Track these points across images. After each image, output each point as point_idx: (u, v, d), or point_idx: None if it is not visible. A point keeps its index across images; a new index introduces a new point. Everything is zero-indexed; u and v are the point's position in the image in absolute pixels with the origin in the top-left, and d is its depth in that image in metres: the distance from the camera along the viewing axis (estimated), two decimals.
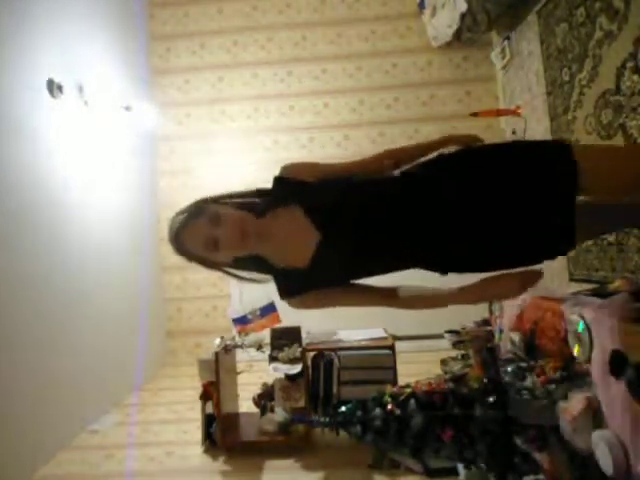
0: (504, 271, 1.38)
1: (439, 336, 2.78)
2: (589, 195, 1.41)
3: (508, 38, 4.30)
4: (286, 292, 1.37)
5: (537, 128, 3.92)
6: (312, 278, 1.34)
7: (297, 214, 1.34)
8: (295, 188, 1.38)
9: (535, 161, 1.35)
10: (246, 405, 3.11)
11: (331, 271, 1.35)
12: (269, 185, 1.43)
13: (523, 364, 2.01)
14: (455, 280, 1.44)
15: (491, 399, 1.94)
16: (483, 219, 1.34)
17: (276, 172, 1.37)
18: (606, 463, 1.42)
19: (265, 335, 2.95)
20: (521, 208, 1.34)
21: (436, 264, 1.44)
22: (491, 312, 2.81)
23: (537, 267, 1.41)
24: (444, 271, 1.45)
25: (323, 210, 1.33)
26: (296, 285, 1.36)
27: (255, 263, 1.38)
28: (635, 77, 2.58)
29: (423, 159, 1.47)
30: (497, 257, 1.42)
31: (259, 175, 4.98)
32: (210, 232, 1.27)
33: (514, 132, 4.40)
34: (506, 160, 1.37)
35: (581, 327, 1.61)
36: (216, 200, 1.37)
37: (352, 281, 1.41)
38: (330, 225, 1.33)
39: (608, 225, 1.58)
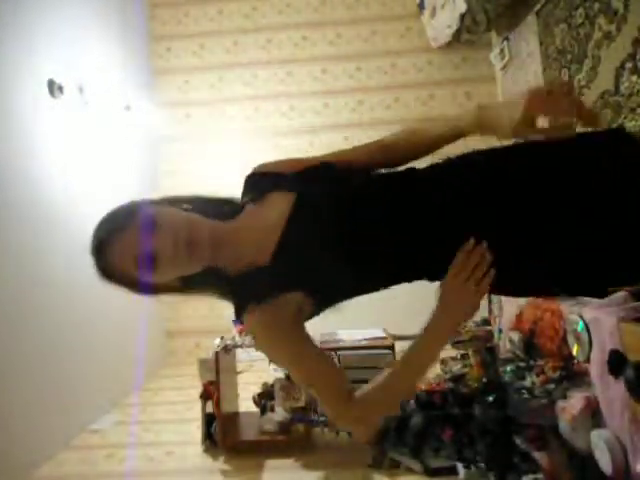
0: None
1: None
2: None
3: (507, 39, 4.31)
4: (241, 305, 0.95)
5: None
6: (274, 276, 0.94)
7: (276, 200, 1.01)
8: (275, 179, 1.05)
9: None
10: (246, 405, 3.11)
11: (297, 263, 0.94)
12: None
13: (522, 364, 2.02)
14: None
15: (490, 399, 1.94)
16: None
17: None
18: (605, 462, 1.43)
19: None
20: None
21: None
22: (490, 312, 2.82)
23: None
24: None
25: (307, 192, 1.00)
26: (254, 291, 0.93)
27: (209, 277, 0.99)
28: (634, 78, 2.59)
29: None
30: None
31: None
32: (145, 243, 0.89)
33: None
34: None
35: (580, 327, 1.62)
36: (158, 202, 0.99)
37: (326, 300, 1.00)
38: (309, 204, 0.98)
39: None
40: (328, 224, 0.94)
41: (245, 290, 0.95)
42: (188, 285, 1.00)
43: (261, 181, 1.07)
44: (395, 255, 0.97)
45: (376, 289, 1.02)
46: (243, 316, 0.94)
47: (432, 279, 1.00)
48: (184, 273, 0.95)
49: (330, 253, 0.92)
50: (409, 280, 1.01)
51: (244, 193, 1.09)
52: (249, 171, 1.15)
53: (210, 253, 0.94)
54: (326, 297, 0.98)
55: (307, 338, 0.98)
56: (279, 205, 0.98)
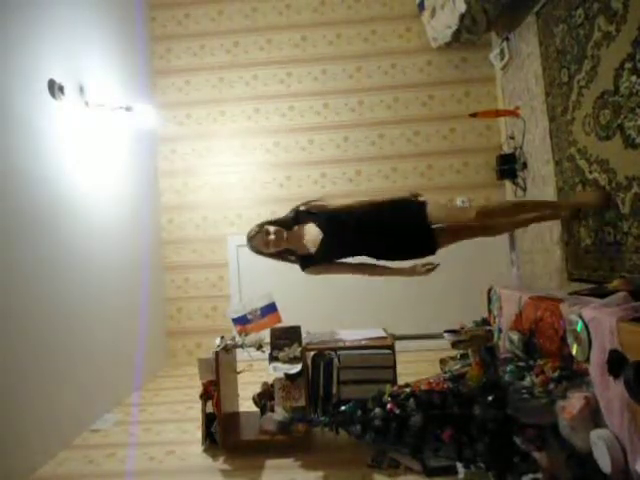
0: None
1: (439, 336, 2.78)
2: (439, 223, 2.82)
3: (507, 39, 4.32)
4: (305, 266, 2.83)
5: (536, 128, 3.93)
6: (317, 258, 2.79)
7: (310, 227, 2.79)
8: (310, 215, 2.83)
9: (408, 212, 2.82)
10: (246, 405, 3.12)
11: (327, 254, 2.80)
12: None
13: (522, 363, 2.02)
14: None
15: (490, 398, 1.94)
16: (395, 239, 2.79)
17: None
18: (604, 462, 1.44)
19: (265, 335, 2.96)
20: (405, 235, 2.79)
21: (375, 256, 2.89)
22: (490, 312, 2.82)
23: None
24: (379, 259, 2.90)
25: (326, 227, 2.77)
26: (310, 262, 2.82)
27: (289, 252, 2.83)
28: (633, 78, 2.59)
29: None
30: (401, 255, 2.88)
31: (258, 176, 5.00)
32: (266, 239, 2.70)
33: (512, 137, 4.41)
34: (394, 211, 2.84)
35: (580, 327, 1.62)
36: (269, 222, 2.75)
37: (340, 260, 2.88)
38: (328, 233, 2.76)
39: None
40: (334, 244, 2.79)
41: (306, 261, 2.83)
42: (282, 254, 2.82)
43: (303, 214, 2.85)
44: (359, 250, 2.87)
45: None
46: (305, 270, 2.86)
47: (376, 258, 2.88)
48: (278, 249, 2.75)
49: (336, 251, 2.85)
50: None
51: (295, 215, 2.84)
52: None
53: (286, 243, 2.75)
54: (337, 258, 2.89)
55: (332, 264, 2.89)
56: (314, 231, 2.78)
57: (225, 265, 4.96)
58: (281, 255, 2.80)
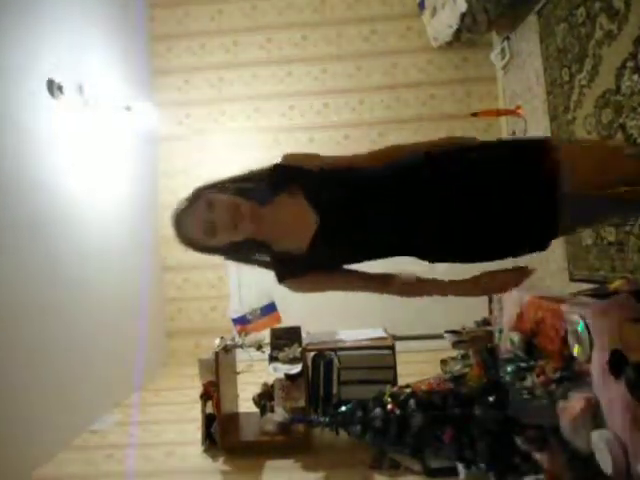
0: (492, 264, 1.41)
1: (439, 336, 2.77)
2: (572, 189, 1.33)
3: (508, 38, 4.31)
4: (283, 275, 1.39)
5: (537, 128, 3.92)
6: (309, 261, 1.37)
7: (298, 199, 1.37)
8: (297, 174, 1.40)
9: (519, 163, 1.37)
10: (246, 405, 3.11)
11: (327, 255, 1.38)
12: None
13: (523, 364, 2.01)
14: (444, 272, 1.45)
15: (491, 399, 1.94)
16: (472, 215, 1.35)
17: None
18: (606, 463, 1.42)
19: (265, 335, 2.95)
20: (506, 206, 1.36)
21: (425, 253, 1.44)
22: (491, 312, 2.81)
23: (528, 264, 1.39)
24: (432, 260, 1.44)
25: (323, 197, 1.37)
26: (294, 268, 1.37)
27: (253, 247, 1.41)
28: (635, 77, 2.58)
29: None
30: (483, 249, 1.42)
31: None
32: (207, 217, 1.32)
33: (514, 133, 4.40)
34: (494, 163, 1.38)
35: (581, 327, 1.61)
36: (213, 186, 1.41)
37: (347, 266, 1.44)
38: (329, 211, 1.36)
39: (589, 219, 1.62)
40: (343, 236, 1.37)
41: (287, 265, 1.37)
42: (236, 248, 1.38)
43: (287, 175, 1.41)
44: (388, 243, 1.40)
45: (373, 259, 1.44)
46: (283, 282, 1.38)
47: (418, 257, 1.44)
48: (233, 239, 1.34)
49: (344, 249, 1.40)
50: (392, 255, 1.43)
51: (273, 178, 1.42)
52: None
53: (251, 227, 1.33)
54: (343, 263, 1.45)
55: (331, 273, 1.44)
56: (303, 207, 1.36)
57: (225, 265, 4.95)
58: (239, 251, 1.43)
